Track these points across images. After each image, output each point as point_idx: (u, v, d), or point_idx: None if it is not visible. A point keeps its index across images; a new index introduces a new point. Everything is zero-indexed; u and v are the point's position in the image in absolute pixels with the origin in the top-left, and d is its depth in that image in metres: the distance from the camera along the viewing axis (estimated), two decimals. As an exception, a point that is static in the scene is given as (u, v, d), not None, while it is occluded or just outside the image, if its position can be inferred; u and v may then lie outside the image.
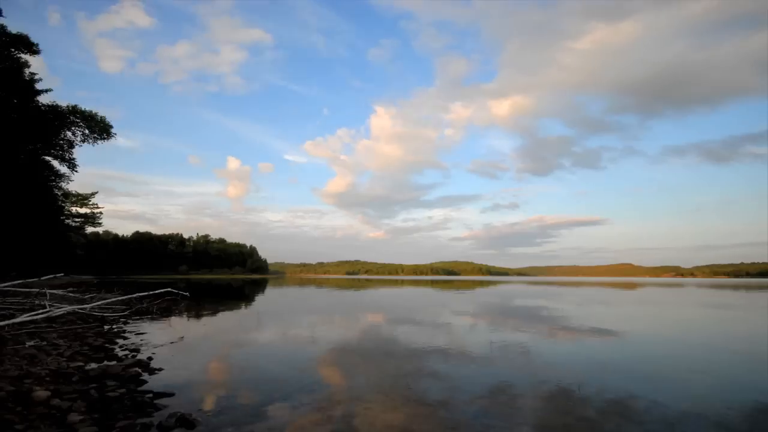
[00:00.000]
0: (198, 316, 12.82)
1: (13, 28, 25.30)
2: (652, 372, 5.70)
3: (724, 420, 3.78)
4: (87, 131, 29.68)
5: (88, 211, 52.99)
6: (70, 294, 15.42)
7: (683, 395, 4.60)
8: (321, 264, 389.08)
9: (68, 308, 9.89)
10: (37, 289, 13.24)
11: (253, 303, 19.83)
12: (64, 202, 42.50)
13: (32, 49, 26.35)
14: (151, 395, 4.22)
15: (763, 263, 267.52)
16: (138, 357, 6.07)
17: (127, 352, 6.56)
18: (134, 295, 14.66)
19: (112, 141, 30.64)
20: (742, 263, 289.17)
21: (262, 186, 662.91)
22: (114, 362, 5.66)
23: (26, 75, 26.78)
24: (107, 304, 12.80)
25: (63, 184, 36.65)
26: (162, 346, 7.17)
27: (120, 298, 13.79)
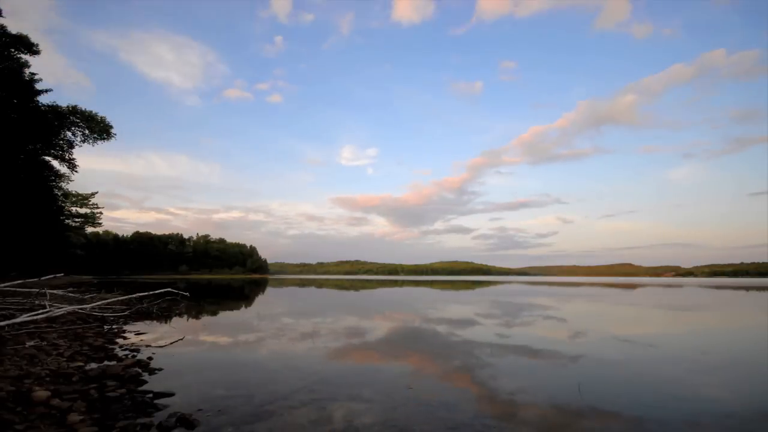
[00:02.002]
0: (198, 316, 12.82)
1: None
2: (652, 372, 5.70)
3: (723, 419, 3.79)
4: (87, 131, 29.71)
5: (88, 211, 53.03)
6: (70, 294, 15.42)
7: (683, 397, 4.61)
8: (321, 264, 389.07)
9: (68, 308, 9.89)
10: (37, 289, 13.23)
11: (253, 303, 19.83)
12: (64, 202, 42.50)
13: (32, 49, 26.39)
14: (151, 395, 4.23)
15: (763, 263, 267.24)
16: (138, 357, 6.07)
17: (127, 352, 6.56)
18: (134, 295, 14.66)
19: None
20: (742, 263, 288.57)
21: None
22: (114, 362, 5.66)
23: (26, 75, 26.80)
24: (107, 304, 12.80)
25: (63, 184, 36.68)
26: (162, 346, 7.17)
27: (120, 298, 13.78)
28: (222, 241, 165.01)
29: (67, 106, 28.58)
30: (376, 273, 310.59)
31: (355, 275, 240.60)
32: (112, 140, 30.53)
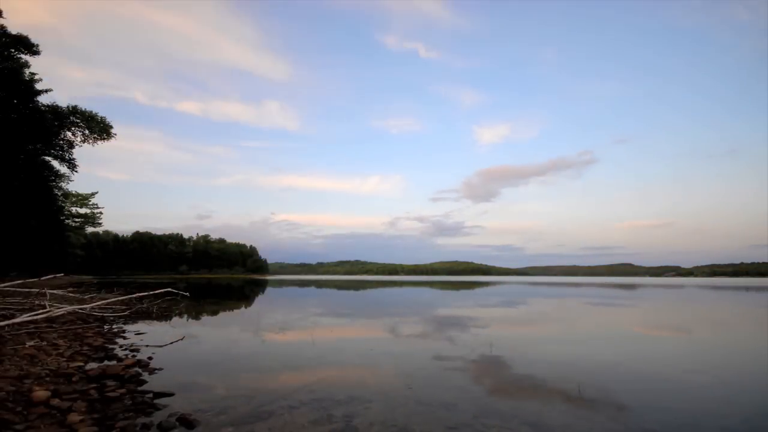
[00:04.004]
0: (198, 316, 12.82)
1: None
2: (651, 373, 5.70)
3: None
4: (87, 131, 29.74)
5: (88, 211, 53.10)
6: (70, 294, 15.43)
7: (681, 395, 4.61)
8: (321, 264, 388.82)
9: (68, 308, 9.89)
10: (37, 289, 13.24)
11: (253, 303, 19.84)
12: (64, 202, 42.51)
13: (32, 49, 26.40)
14: (151, 395, 4.22)
15: (763, 263, 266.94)
16: (138, 357, 6.07)
17: (127, 352, 6.56)
18: (134, 295, 14.67)
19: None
20: (742, 263, 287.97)
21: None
22: (114, 362, 5.66)
23: (26, 75, 26.81)
24: (107, 304, 12.80)
25: (63, 184, 36.68)
26: (162, 346, 7.17)
27: (120, 298, 13.78)
28: (222, 241, 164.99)
29: (67, 106, 28.61)
30: (376, 273, 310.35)
31: (356, 275, 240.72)
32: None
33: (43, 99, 27.78)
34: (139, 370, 5.16)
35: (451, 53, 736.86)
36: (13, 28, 25.02)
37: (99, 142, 30.48)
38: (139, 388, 4.45)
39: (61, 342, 6.92)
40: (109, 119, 29.82)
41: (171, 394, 4.27)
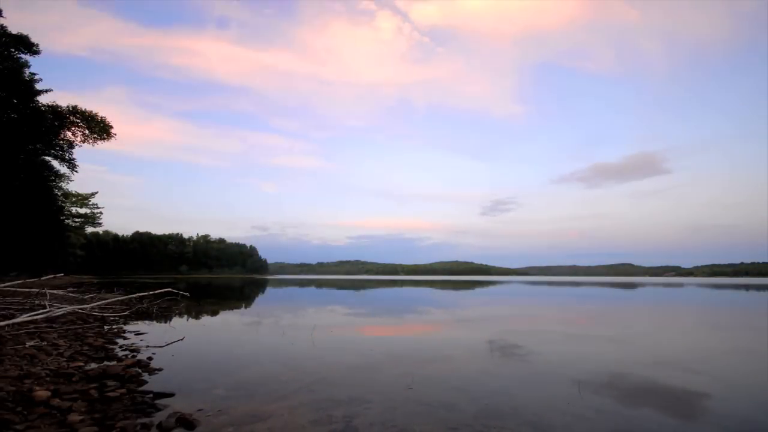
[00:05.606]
0: (198, 316, 12.82)
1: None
2: (652, 372, 5.71)
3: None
4: (87, 131, 29.73)
5: (88, 211, 53.05)
6: (70, 294, 15.43)
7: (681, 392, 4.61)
8: (321, 264, 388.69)
9: (68, 308, 9.89)
10: (37, 289, 13.23)
11: (253, 303, 19.84)
12: (64, 202, 42.51)
13: (32, 49, 26.39)
14: (151, 395, 4.22)
15: (763, 263, 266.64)
16: (138, 357, 6.07)
17: (127, 352, 6.56)
18: (134, 295, 14.67)
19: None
20: (742, 263, 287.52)
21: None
22: (114, 362, 5.65)
23: (26, 75, 26.80)
24: (107, 304, 12.80)
25: (63, 184, 36.71)
26: (162, 346, 7.17)
27: (120, 298, 13.79)
28: (222, 241, 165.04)
29: (67, 106, 28.60)
30: (376, 273, 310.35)
31: (356, 275, 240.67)
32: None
33: (43, 99, 27.81)
34: (139, 371, 5.16)
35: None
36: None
37: (99, 142, 30.49)
38: (139, 389, 4.45)
39: (61, 342, 6.92)
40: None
41: (171, 395, 4.27)
